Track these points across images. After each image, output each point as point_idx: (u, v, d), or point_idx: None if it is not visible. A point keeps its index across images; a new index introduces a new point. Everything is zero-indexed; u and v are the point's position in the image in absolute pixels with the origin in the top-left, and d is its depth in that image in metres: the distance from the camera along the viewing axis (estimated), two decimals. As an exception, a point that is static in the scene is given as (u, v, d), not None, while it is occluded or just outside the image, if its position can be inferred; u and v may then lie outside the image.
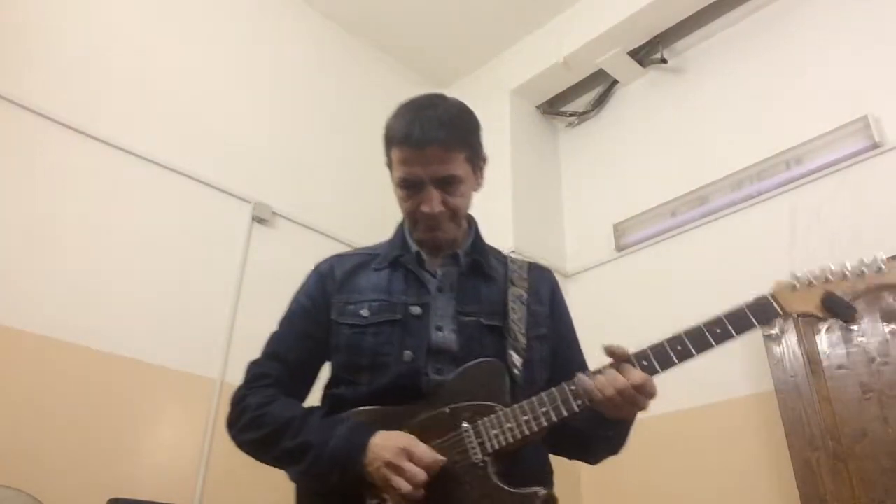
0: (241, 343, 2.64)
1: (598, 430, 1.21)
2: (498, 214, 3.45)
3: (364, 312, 1.26)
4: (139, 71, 2.82)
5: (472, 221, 1.40)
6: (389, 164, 1.31)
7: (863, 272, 1.09)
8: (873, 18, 2.82)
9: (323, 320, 1.30)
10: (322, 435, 1.14)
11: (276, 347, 1.32)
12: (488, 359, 1.19)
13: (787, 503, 2.35)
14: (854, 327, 2.37)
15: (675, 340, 1.12)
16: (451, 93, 4.52)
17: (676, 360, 1.12)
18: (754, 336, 2.59)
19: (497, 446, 1.10)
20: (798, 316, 1.16)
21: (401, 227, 1.39)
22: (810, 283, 1.11)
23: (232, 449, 1.25)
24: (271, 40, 3.39)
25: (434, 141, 1.22)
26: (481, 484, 1.09)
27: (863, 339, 2.34)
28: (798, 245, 2.69)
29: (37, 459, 2.06)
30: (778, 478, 2.43)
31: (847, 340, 2.37)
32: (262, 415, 1.20)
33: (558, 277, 3.90)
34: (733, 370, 2.70)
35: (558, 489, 1.23)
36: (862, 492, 2.16)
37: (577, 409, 1.11)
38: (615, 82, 3.70)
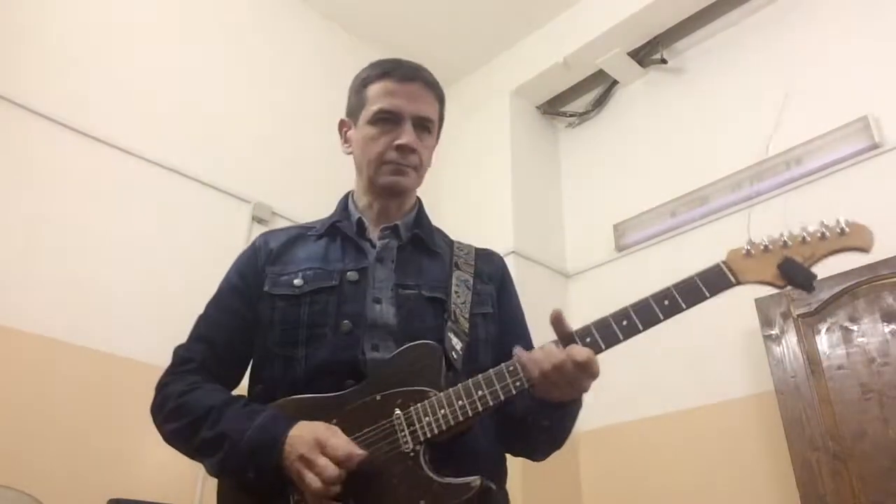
0: (241, 343, 2.65)
1: (536, 418, 1.11)
2: (498, 214, 3.45)
3: (297, 282, 1.18)
4: (139, 71, 2.82)
5: (417, 199, 1.35)
6: (357, 111, 1.26)
7: (824, 234, 0.99)
8: (873, 18, 2.82)
9: (254, 297, 1.21)
10: (239, 425, 1.05)
11: (203, 329, 1.23)
12: (424, 341, 1.10)
13: (787, 503, 2.35)
14: (854, 327, 2.37)
15: (620, 315, 1.03)
16: (452, 93, 4.52)
17: (622, 337, 1.02)
18: (754, 336, 2.60)
19: (429, 434, 1.02)
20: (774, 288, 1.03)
21: (344, 199, 1.34)
22: (766, 249, 1.00)
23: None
24: (271, 40, 3.40)
25: (420, 78, 1.23)
26: (411, 475, 1.01)
27: (863, 339, 2.34)
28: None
29: (37, 460, 2.06)
30: (778, 478, 2.43)
31: (847, 341, 2.37)
32: (182, 404, 1.11)
33: (559, 277, 3.91)
34: (733, 370, 2.70)
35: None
36: (862, 492, 2.16)
37: (514, 391, 1.01)
38: (615, 82, 3.70)
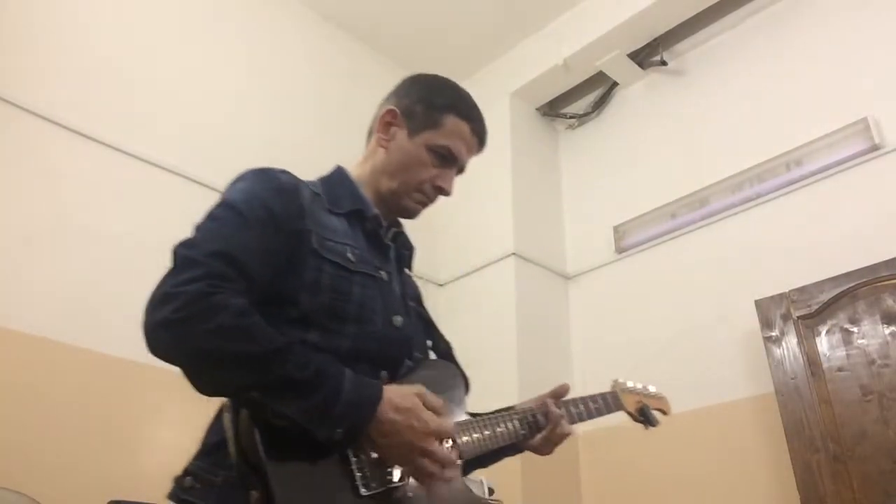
0: (241, 344, 2.64)
1: (500, 455, 1.23)
2: (498, 216, 3.45)
3: (350, 256, 1.09)
4: (139, 72, 2.82)
5: None
6: (421, 123, 1.21)
7: (654, 395, 1.58)
8: (873, 20, 2.83)
9: (286, 242, 1.04)
10: (335, 370, 0.93)
11: (231, 249, 0.98)
12: (451, 364, 1.18)
13: (787, 505, 2.35)
14: (854, 329, 2.37)
15: (571, 403, 1.30)
16: (452, 94, 4.39)
17: (577, 419, 1.30)
18: (754, 338, 2.60)
19: (469, 454, 1.07)
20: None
21: (346, 178, 1.26)
22: (630, 391, 1.52)
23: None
24: (271, 41, 3.40)
25: (485, 143, 1.27)
26: (457, 485, 1.03)
27: (863, 341, 2.34)
28: (798, 248, 2.69)
29: (36, 461, 2.06)
30: (778, 480, 2.43)
31: (847, 342, 2.37)
32: (251, 325, 0.90)
33: (559, 279, 3.91)
34: (733, 372, 2.70)
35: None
36: (862, 494, 2.16)
37: (521, 438, 1.19)
38: (615, 84, 3.70)
